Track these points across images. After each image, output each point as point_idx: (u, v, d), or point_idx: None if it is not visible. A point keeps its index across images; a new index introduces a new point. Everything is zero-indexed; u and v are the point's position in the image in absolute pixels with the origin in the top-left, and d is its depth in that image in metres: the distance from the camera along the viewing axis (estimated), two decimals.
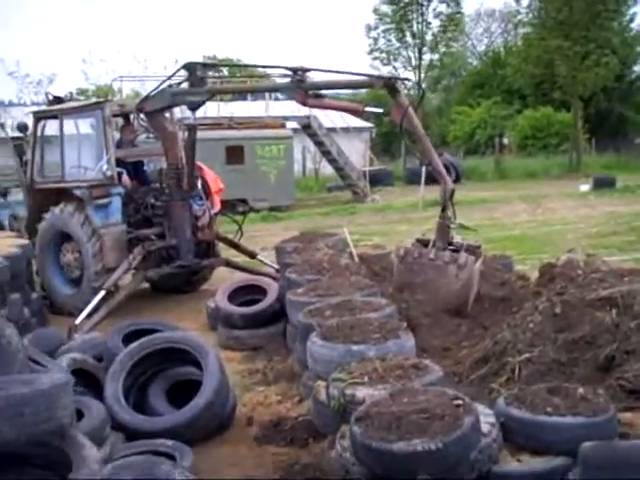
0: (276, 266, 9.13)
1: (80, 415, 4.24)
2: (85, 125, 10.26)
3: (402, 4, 35.45)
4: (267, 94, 25.39)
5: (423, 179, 17.46)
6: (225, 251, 10.22)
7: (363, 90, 33.01)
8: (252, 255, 10.11)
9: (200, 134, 9.18)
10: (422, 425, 3.31)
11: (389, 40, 36.54)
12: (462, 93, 46.28)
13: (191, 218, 9.19)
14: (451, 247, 6.89)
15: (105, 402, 4.80)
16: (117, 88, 27.57)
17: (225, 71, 25.29)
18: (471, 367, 5.06)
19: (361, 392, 3.91)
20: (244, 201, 19.06)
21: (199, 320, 8.40)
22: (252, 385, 6.13)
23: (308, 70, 7.54)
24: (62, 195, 9.24)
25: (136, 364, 5.18)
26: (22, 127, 11.40)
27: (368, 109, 8.20)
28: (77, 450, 3.36)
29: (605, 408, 3.57)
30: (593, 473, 3.16)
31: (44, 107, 11.10)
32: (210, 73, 9.20)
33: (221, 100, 23.07)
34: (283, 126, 22.98)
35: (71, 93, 11.48)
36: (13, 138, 12.04)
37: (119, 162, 9.25)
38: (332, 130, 24.71)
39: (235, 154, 20.94)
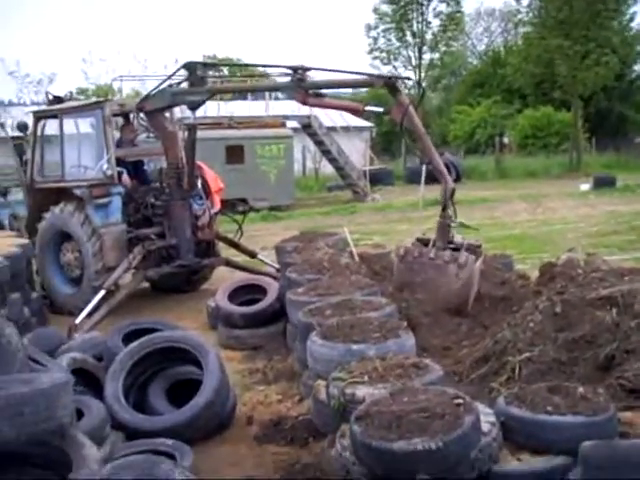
0: (276, 265, 9.13)
1: (80, 414, 4.24)
2: (85, 125, 10.26)
3: (402, 3, 35.46)
4: (267, 93, 25.45)
5: (423, 178, 17.58)
6: (225, 250, 10.22)
7: (363, 89, 33.02)
8: (252, 255, 10.11)
9: (200, 133, 9.18)
10: (422, 424, 3.31)
11: (389, 39, 36.57)
12: (462, 92, 46.28)
13: (191, 217, 9.19)
14: (451, 246, 6.89)
15: (105, 401, 4.80)
16: (117, 88, 27.62)
17: (225, 70, 25.26)
18: (471, 366, 5.06)
19: (361, 391, 3.91)
20: (244, 200, 19.04)
21: (199, 319, 8.40)
22: (252, 384, 6.13)
23: (308, 69, 7.54)
24: (62, 194, 9.24)
25: (136, 363, 5.18)
26: (22, 126, 11.41)
27: (368, 108, 8.19)
28: (77, 449, 3.36)
29: (605, 407, 3.57)
30: (593, 472, 3.16)
31: (44, 107, 11.11)
32: (210, 72, 9.19)
33: (221, 99, 23.07)
34: (283, 125, 22.97)
35: (71, 93, 11.48)
36: (13, 137, 12.07)
37: (119, 161, 9.25)
38: (332, 129, 24.70)
39: (235, 153, 20.93)
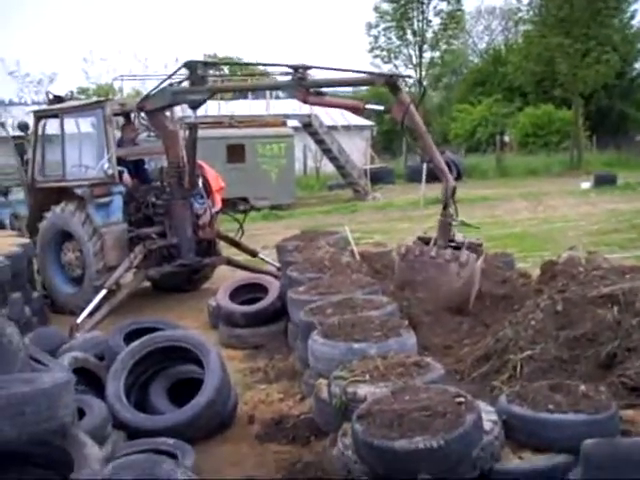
0: (277, 264, 9.13)
1: (81, 414, 4.23)
2: (86, 124, 10.26)
3: (403, 2, 35.40)
4: (268, 92, 25.47)
5: (424, 177, 17.54)
6: (226, 250, 10.22)
7: (364, 88, 32.95)
8: (253, 254, 10.11)
9: (201, 133, 9.18)
10: (424, 423, 3.30)
11: (390, 38, 36.52)
12: (463, 91, 46.28)
13: (192, 217, 9.19)
14: (452, 245, 6.89)
15: (106, 401, 4.80)
16: (118, 87, 27.68)
17: (226, 69, 25.21)
18: (473, 365, 5.06)
19: (363, 390, 3.90)
20: (245, 199, 19.00)
21: (200, 319, 8.40)
22: (253, 383, 6.13)
23: (309, 68, 7.53)
24: (63, 194, 9.25)
25: (137, 363, 5.18)
26: (23, 126, 11.43)
27: (369, 107, 8.17)
28: (79, 449, 3.36)
29: (607, 405, 3.57)
30: (595, 471, 3.15)
31: (45, 106, 11.10)
32: (211, 72, 9.18)
33: (222, 99, 23.10)
34: (284, 124, 22.98)
35: (72, 92, 11.49)
36: (14, 137, 12.08)
37: (120, 161, 9.26)
38: (333, 128, 24.70)
39: (236, 152, 20.95)
